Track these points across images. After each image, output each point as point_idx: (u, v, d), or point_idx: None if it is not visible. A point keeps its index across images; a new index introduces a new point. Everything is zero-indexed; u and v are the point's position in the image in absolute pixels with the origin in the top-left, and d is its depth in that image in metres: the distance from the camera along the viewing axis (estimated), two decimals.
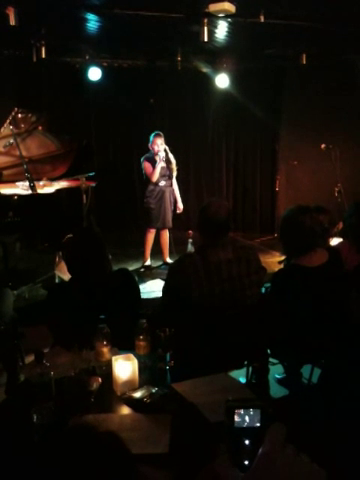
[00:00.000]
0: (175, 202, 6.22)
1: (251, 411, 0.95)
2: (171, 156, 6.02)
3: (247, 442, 0.93)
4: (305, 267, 2.90)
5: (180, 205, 6.26)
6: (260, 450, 0.86)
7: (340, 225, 4.16)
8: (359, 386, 2.44)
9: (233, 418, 0.95)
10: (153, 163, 5.88)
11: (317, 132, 7.15)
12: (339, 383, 2.56)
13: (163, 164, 5.96)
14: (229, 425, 0.95)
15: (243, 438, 0.93)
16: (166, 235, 6.24)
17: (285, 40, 6.31)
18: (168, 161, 5.99)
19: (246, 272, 2.84)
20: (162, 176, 5.99)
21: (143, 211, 6.29)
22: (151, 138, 5.96)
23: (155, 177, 5.89)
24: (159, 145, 5.86)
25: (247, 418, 0.95)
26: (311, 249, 2.94)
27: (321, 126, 7.20)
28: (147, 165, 5.93)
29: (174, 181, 6.16)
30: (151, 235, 6.15)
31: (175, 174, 6.13)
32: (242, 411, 0.95)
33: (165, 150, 5.95)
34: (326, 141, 6.41)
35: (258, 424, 0.95)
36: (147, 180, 5.98)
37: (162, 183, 6.00)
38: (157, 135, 5.93)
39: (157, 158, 5.85)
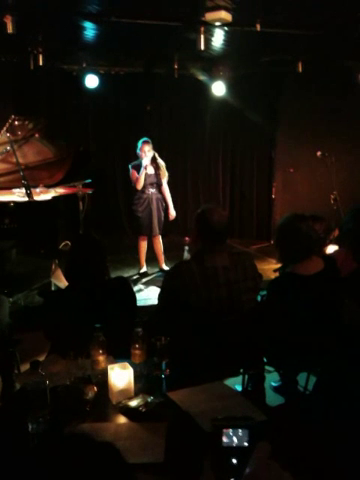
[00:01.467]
0: (166, 209, 6.13)
1: (240, 431, 0.94)
2: (161, 162, 5.95)
3: (234, 461, 0.92)
4: (301, 275, 2.90)
5: (172, 212, 6.16)
6: (247, 469, 0.85)
7: (336, 232, 4.17)
8: (359, 386, 2.43)
9: (221, 438, 0.94)
10: (140, 170, 5.83)
11: (313, 138, 7.19)
12: (338, 383, 2.56)
13: (151, 171, 5.89)
14: (217, 444, 0.94)
15: (230, 457, 0.92)
16: (159, 242, 6.17)
17: (281, 48, 6.35)
18: (157, 167, 5.93)
19: (243, 277, 2.84)
20: (150, 184, 5.91)
21: (132, 219, 6.24)
22: (139, 145, 5.89)
23: (140, 185, 5.83)
24: (146, 152, 5.79)
25: (235, 439, 0.94)
26: (307, 256, 2.94)
27: (317, 132, 7.24)
28: (133, 172, 5.88)
29: (165, 187, 6.06)
30: (143, 242, 6.11)
31: (166, 180, 6.03)
32: (231, 431, 0.94)
33: (154, 156, 5.89)
34: (322, 147, 6.43)
35: (246, 444, 0.94)
36: (134, 187, 5.93)
37: (149, 190, 5.92)
38: (145, 142, 5.86)
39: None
